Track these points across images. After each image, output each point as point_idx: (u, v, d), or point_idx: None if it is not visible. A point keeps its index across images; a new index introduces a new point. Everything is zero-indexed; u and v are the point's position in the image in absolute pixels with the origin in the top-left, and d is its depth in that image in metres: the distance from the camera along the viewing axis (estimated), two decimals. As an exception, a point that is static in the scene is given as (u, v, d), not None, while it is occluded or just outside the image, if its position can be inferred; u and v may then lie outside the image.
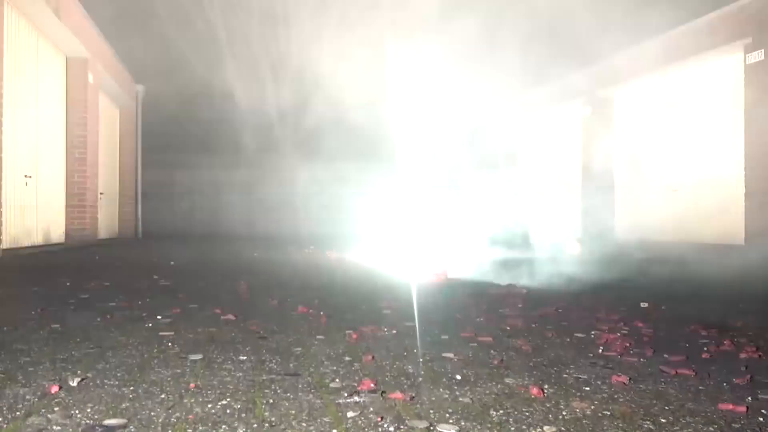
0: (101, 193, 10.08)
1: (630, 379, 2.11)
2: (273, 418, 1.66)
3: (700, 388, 2.05)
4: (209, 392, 1.91)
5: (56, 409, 1.71)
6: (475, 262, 5.63)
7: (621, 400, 1.88)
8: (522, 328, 3.18)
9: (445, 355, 2.50)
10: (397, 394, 1.87)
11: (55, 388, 1.88)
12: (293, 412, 1.73)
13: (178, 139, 15.35)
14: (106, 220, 10.73)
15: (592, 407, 1.80)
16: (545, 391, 1.97)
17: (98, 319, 3.24)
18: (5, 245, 6.39)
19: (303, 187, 16.22)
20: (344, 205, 15.75)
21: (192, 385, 1.98)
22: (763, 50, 7.34)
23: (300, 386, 1.99)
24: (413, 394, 1.90)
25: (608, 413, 1.75)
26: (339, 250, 9.94)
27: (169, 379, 2.06)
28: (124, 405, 1.76)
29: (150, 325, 3.10)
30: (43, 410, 1.70)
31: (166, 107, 14.33)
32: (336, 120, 12.55)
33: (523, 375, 2.18)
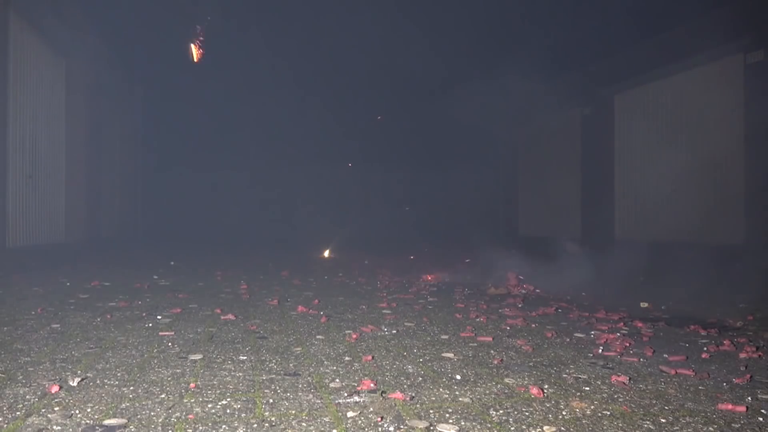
0: (101, 193, 10.08)
1: (630, 379, 2.11)
2: (273, 418, 1.66)
3: (700, 388, 2.05)
4: (209, 392, 1.91)
5: (56, 409, 1.71)
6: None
7: (621, 400, 1.88)
8: (522, 328, 3.18)
9: (445, 355, 2.50)
10: (397, 394, 1.87)
11: (55, 388, 1.88)
12: (293, 412, 1.73)
13: (180, 138, 15.35)
14: (107, 220, 10.73)
15: (592, 407, 1.80)
16: (545, 391, 1.97)
17: (98, 319, 3.24)
18: (7, 245, 6.38)
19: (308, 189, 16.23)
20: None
21: (192, 385, 1.98)
22: (763, 50, 7.34)
23: (300, 386, 1.99)
24: (413, 394, 1.90)
25: (608, 413, 1.75)
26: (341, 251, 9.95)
27: (169, 379, 2.06)
28: (124, 405, 1.76)
29: (150, 325, 3.10)
30: (43, 410, 1.70)
31: (167, 107, 14.34)
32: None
33: (523, 375, 2.18)
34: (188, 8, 10.21)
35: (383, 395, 1.88)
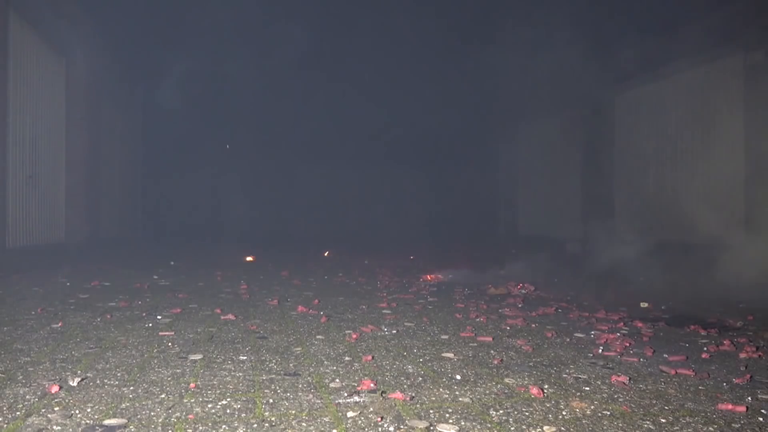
0: (101, 193, 10.08)
1: (630, 379, 2.11)
2: (273, 418, 1.66)
3: (700, 388, 2.05)
4: (209, 392, 1.91)
5: (56, 409, 1.71)
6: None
7: (621, 400, 1.88)
8: (522, 328, 3.18)
9: (445, 355, 2.50)
10: (397, 394, 1.87)
11: (55, 388, 1.88)
12: (293, 412, 1.73)
13: (178, 138, 15.34)
14: (107, 220, 10.73)
15: (592, 407, 1.80)
16: (545, 391, 1.97)
17: (98, 319, 3.24)
18: (6, 245, 6.38)
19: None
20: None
21: (192, 385, 1.98)
22: (763, 50, 7.34)
23: (300, 386, 1.99)
24: (413, 394, 1.90)
25: (608, 413, 1.75)
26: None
27: (169, 379, 2.06)
28: (124, 405, 1.76)
29: (150, 325, 3.10)
30: (43, 410, 1.70)
31: (167, 106, 14.34)
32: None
33: (523, 375, 2.18)
34: (188, 7, 10.21)
35: (383, 395, 1.88)
